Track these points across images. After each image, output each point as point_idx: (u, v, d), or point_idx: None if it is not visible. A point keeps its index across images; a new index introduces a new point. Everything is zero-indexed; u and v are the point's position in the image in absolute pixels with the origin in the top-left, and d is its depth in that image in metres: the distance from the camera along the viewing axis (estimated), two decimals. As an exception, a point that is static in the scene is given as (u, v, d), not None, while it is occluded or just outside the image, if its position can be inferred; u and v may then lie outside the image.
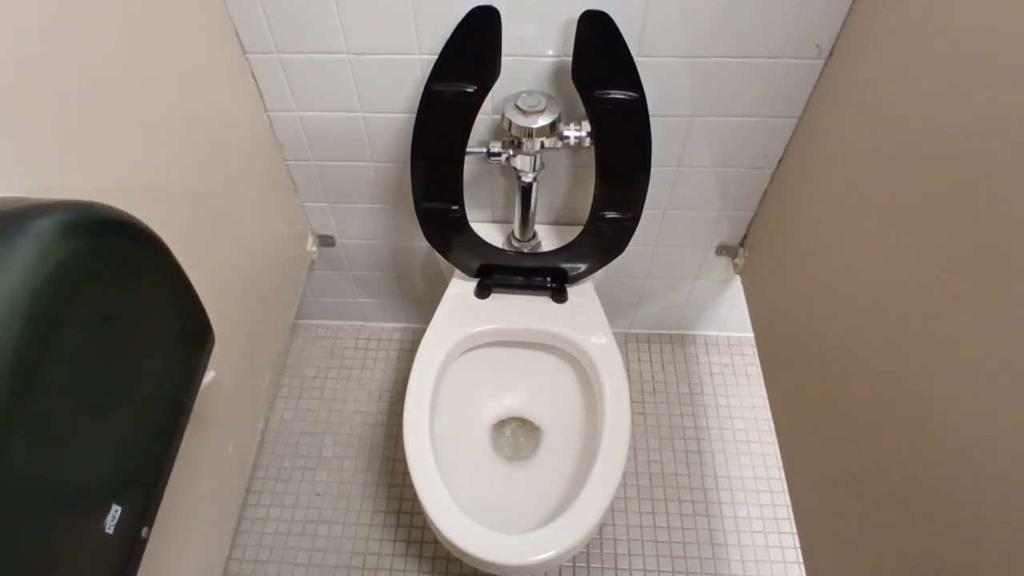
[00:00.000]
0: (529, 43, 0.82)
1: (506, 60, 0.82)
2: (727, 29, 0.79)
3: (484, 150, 0.89)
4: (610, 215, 0.91)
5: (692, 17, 0.78)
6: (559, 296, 1.00)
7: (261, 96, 0.90)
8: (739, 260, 1.13)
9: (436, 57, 0.79)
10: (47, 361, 0.39)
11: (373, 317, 1.37)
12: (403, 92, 0.88)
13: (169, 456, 0.54)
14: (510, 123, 0.82)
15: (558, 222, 1.09)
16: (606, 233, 0.93)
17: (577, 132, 0.84)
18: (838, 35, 0.81)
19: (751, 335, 1.38)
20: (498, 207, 1.08)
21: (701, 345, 1.37)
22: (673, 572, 1.09)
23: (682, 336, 1.38)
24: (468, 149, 0.89)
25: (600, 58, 0.76)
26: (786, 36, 0.80)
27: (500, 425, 1.05)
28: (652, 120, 0.83)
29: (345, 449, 1.22)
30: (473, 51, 0.77)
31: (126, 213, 0.45)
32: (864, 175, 0.78)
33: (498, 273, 1.00)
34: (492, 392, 1.05)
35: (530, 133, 0.82)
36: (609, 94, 0.78)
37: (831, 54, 0.82)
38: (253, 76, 0.88)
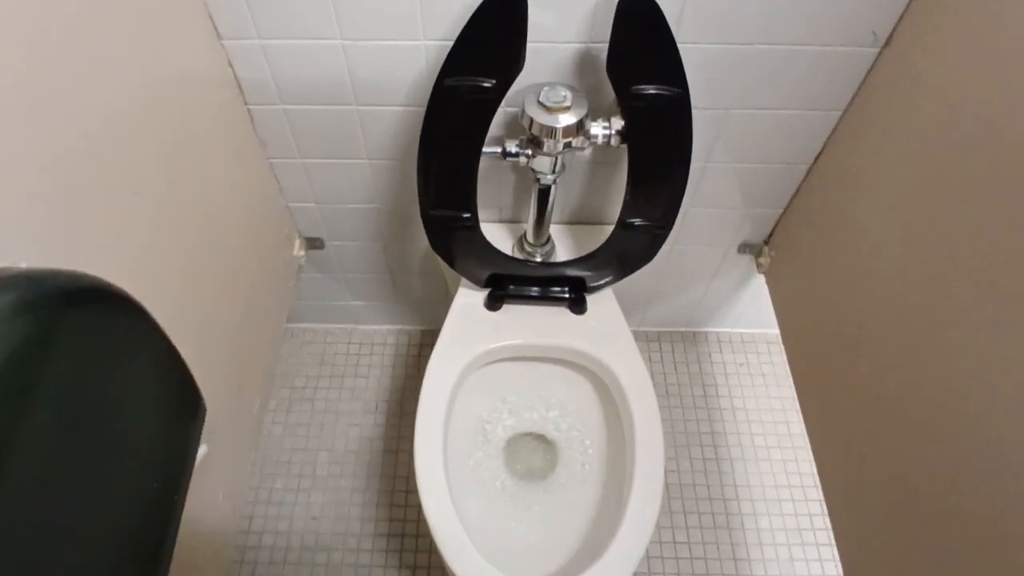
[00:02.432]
0: (549, 29, 0.71)
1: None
2: (777, 14, 0.70)
3: (499, 149, 0.78)
4: (640, 222, 0.82)
5: (740, 0, 0.69)
6: (578, 307, 0.91)
7: (240, 88, 0.78)
8: (763, 260, 1.06)
9: (450, 45, 0.68)
10: (10, 453, 0.30)
11: (365, 320, 1.27)
12: (405, 83, 0.78)
13: (166, 544, 0.45)
14: (531, 120, 0.72)
15: (573, 221, 1.00)
16: (634, 241, 0.84)
17: (605, 130, 0.75)
18: (898, 22, 0.72)
19: (766, 331, 1.32)
20: (507, 206, 0.98)
21: (714, 343, 1.30)
22: (695, 590, 1.04)
23: (694, 334, 1.31)
24: (483, 150, 0.79)
25: (641, 47, 0.66)
26: (841, 22, 0.71)
27: (513, 442, 0.98)
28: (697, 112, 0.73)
29: (341, 467, 1.13)
30: (495, 39, 0.66)
31: (99, 280, 0.34)
32: (914, 176, 0.71)
33: (512, 284, 0.91)
34: (505, 408, 0.97)
35: (554, 133, 0.72)
36: (648, 89, 0.69)
37: (887, 43, 0.74)
38: (230, 65, 0.76)
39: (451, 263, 0.88)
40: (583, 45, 0.73)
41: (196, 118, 0.69)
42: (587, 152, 0.85)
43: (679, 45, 0.72)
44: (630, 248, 0.85)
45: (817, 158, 0.89)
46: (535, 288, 0.91)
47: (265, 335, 0.92)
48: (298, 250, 1.02)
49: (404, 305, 1.23)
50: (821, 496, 1.12)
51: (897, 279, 0.73)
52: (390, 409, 1.19)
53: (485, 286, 0.92)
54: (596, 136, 0.75)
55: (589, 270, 0.89)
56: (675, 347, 1.29)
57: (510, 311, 0.92)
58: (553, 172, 0.80)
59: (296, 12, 0.70)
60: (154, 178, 0.59)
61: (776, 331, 1.31)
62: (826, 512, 1.11)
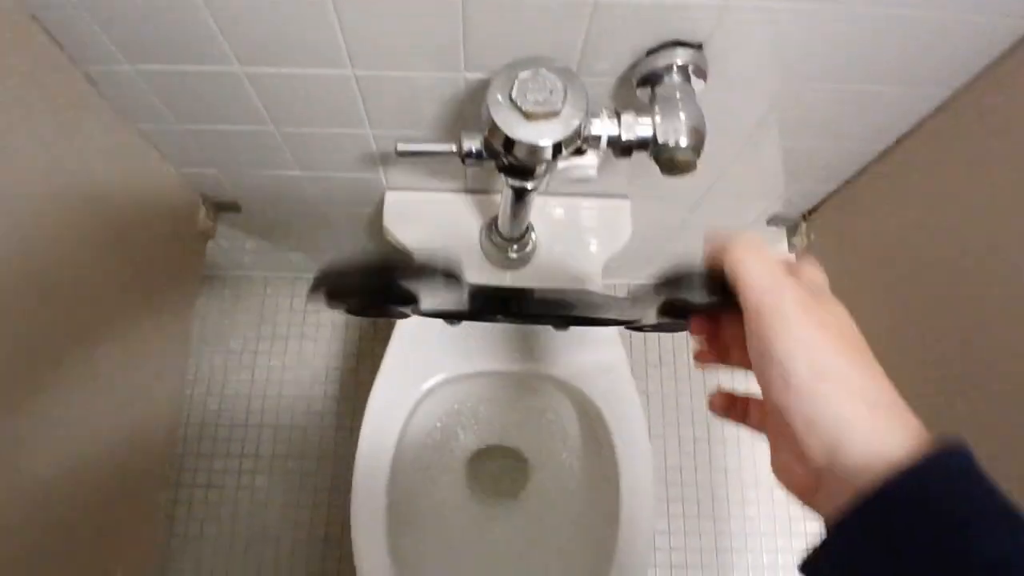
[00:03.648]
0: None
1: None
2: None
3: (452, 148, 0.54)
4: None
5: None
6: (560, 324, 0.72)
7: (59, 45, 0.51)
8: (799, 239, 0.84)
9: None
10: None
11: (310, 268, 1.07)
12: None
13: None
14: (500, 135, 0.47)
15: (574, 192, 0.77)
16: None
17: (614, 128, 0.50)
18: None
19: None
20: (473, 175, 0.74)
21: (719, 299, 1.12)
22: (672, 585, 0.98)
23: (697, 288, 1.13)
24: (419, 148, 0.54)
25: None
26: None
27: (478, 458, 0.84)
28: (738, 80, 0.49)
29: (287, 446, 1.00)
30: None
31: None
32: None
33: (478, 303, 0.70)
34: (467, 422, 0.82)
35: (536, 153, 0.47)
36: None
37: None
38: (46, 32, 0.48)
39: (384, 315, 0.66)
40: (584, -3, 0.46)
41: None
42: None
43: None
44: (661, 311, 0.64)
45: (903, 138, 0.65)
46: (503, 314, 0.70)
47: (166, 348, 0.73)
48: (204, 220, 0.79)
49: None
50: (818, 483, 1.03)
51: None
52: (343, 379, 1.04)
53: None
54: (599, 139, 0.51)
55: (589, 309, 0.68)
56: (674, 304, 1.11)
57: (474, 325, 0.73)
58: (534, 180, 0.56)
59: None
60: None
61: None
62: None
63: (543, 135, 0.46)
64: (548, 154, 0.47)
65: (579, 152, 0.51)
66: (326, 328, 1.06)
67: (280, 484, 0.98)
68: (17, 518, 0.55)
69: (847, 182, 0.75)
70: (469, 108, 0.58)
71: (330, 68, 0.54)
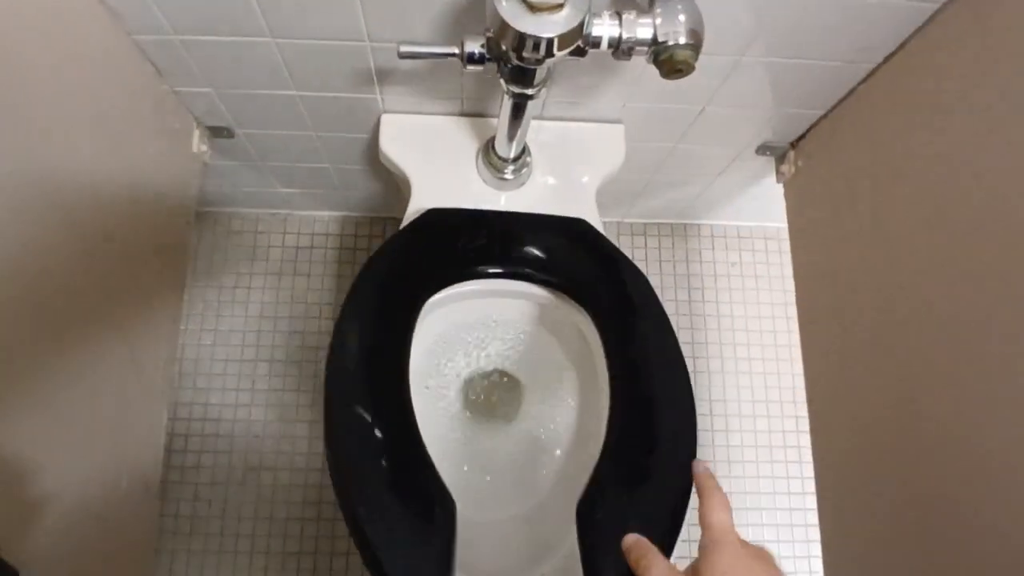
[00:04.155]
0: None
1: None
2: None
3: (455, 50, 0.55)
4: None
5: None
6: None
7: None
8: (787, 167, 0.86)
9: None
10: None
11: (302, 204, 1.07)
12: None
13: None
14: (504, 27, 0.47)
15: (576, 117, 0.77)
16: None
17: (615, 28, 0.51)
18: None
19: (766, 224, 1.16)
20: (470, 96, 0.74)
21: (707, 238, 1.15)
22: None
23: (685, 227, 1.15)
24: (422, 50, 0.55)
25: None
26: None
27: (471, 382, 0.86)
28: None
29: (283, 380, 1.01)
30: None
31: None
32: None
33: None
34: (457, 344, 0.83)
35: (540, 46, 0.48)
36: None
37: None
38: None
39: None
40: None
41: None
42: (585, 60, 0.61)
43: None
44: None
45: (891, 57, 0.67)
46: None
47: (165, 273, 0.73)
48: (198, 145, 0.79)
49: (349, 192, 1.02)
50: (797, 413, 1.07)
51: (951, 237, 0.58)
52: (335, 313, 1.04)
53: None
54: (600, 39, 0.52)
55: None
56: (662, 242, 1.14)
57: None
58: (534, 87, 0.57)
59: None
60: None
61: (777, 225, 1.16)
62: (800, 429, 1.07)
63: (548, 27, 0.47)
64: (553, 47, 0.48)
65: (580, 52, 0.52)
66: (319, 264, 1.06)
67: (276, 416, 1.00)
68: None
69: (834, 107, 0.77)
70: (470, 16, 0.59)
71: (331, -32, 0.53)
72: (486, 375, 0.85)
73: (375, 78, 0.70)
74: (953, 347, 0.60)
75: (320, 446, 1.00)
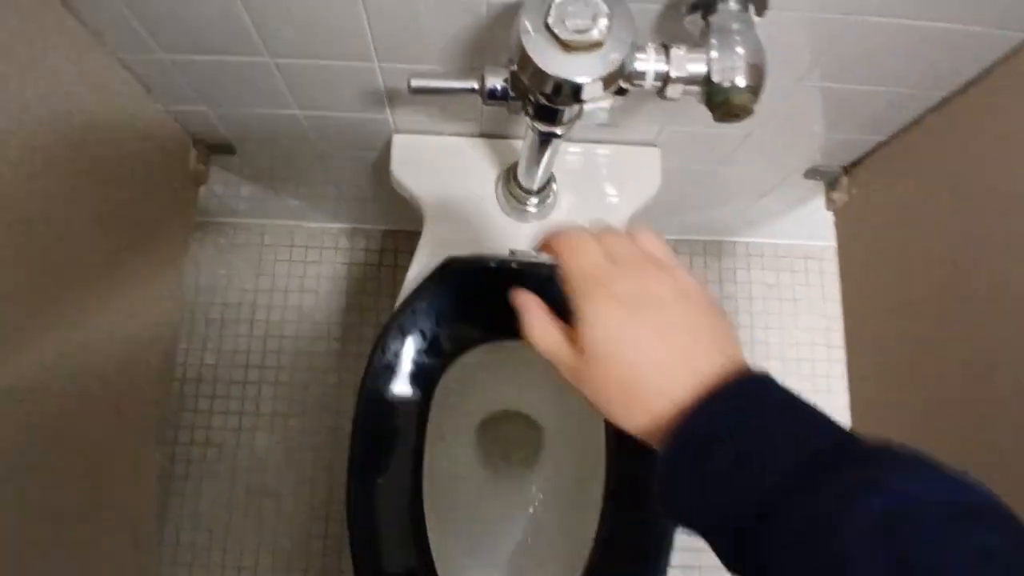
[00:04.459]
0: None
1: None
2: None
3: (474, 85, 0.47)
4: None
5: None
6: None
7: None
8: (838, 195, 0.78)
9: None
10: None
11: (310, 216, 1.00)
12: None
13: None
14: (536, 72, 0.40)
15: (611, 139, 0.70)
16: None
17: (661, 63, 0.43)
18: None
19: (807, 243, 1.08)
20: (488, 117, 0.67)
21: (742, 256, 1.07)
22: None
23: (719, 244, 1.07)
24: (436, 84, 0.48)
25: None
26: None
27: (488, 424, 0.80)
28: (793, 14, 0.43)
29: (288, 404, 0.96)
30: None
31: None
32: None
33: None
34: (476, 387, 0.77)
35: (573, 92, 0.41)
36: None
37: None
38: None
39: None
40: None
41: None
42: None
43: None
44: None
45: (969, 85, 0.58)
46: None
47: (155, 306, 0.68)
48: (195, 163, 0.73)
49: (360, 203, 0.95)
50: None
51: None
52: (345, 334, 0.99)
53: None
54: (644, 76, 0.44)
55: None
56: (693, 261, 1.06)
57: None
58: (563, 126, 0.49)
59: None
60: None
61: (819, 243, 1.08)
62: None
63: (583, 70, 0.40)
64: (588, 93, 0.41)
65: (620, 92, 0.44)
66: (327, 280, 1.00)
67: (280, 441, 0.95)
68: None
69: (897, 134, 0.69)
70: (491, 38, 0.51)
71: (333, -12, 0.46)
72: (503, 417, 0.80)
73: (385, 99, 0.63)
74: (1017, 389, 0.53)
75: (326, 475, 0.95)
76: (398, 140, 0.70)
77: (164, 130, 0.67)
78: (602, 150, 0.70)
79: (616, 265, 0.32)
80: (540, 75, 0.40)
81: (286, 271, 1.00)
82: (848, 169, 0.77)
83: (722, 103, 0.44)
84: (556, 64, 0.40)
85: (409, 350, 0.62)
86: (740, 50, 0.44)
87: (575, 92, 0.41)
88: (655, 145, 0.71)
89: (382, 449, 0.64)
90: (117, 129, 0.60)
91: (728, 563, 0.27)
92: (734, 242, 1.07)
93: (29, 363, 0.53)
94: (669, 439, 0.28)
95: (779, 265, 1.07)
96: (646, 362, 0.30)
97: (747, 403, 0.29)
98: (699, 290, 0.33)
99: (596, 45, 0.39)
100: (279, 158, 0.78)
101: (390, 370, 0.62)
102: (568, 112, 0.47)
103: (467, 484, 0.75)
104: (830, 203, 0.80)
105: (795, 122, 0.67)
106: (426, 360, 0.63)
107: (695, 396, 0.29)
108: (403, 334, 0.62)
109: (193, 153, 0.72)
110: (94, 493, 0.66)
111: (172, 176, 0.70)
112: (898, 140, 0.69)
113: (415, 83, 0.48)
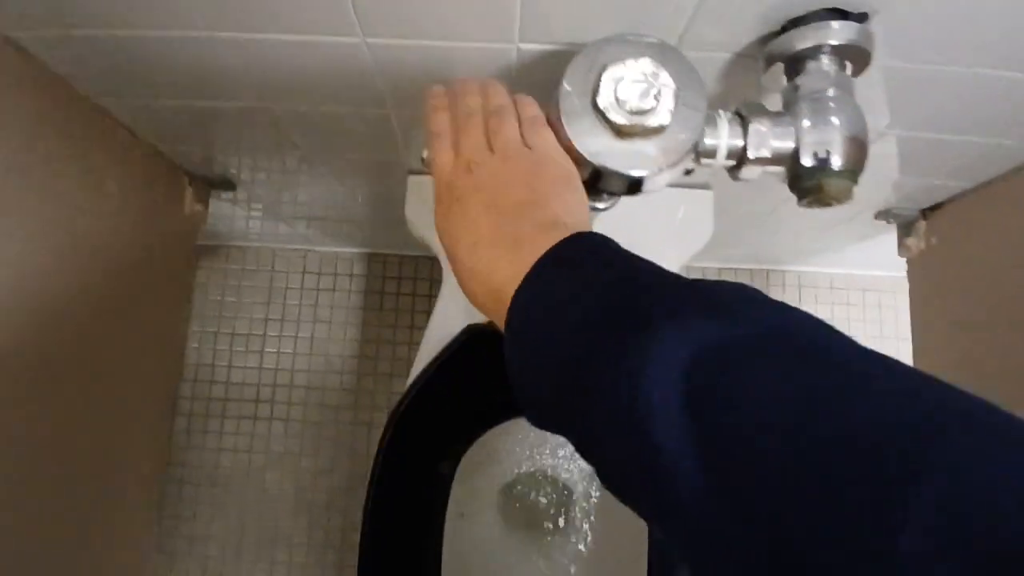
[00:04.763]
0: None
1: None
2: None
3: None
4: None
5: None
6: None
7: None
8: (914, 241, 0.68)
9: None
10: None
11: (323, 241, 0.93)
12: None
13: None
14: (584, 163, 0.32)
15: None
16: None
17: (735, 140, 0.35)
18: None
19: (864, 273, 0.98)
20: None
21: (792, 287, 0.97)
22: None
23: (767, 274, 0.98)
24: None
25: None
26: None
27: (511, 486, 0.73)
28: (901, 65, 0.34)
29: (300, 443, 0.90)
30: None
31: None
32: None
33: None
34: (497, 449, 0.70)
35: (634, 185, 0.32)
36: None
37: None
38: None
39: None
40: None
41: None
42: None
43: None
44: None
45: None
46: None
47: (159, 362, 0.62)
48: (191, 204, 0.66)
49: (373, 230, 0.88)
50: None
51: None
52: (361, 368, 0.92)
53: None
54: (715, 153, 0.35)
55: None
56: (738, 291, 0.97)
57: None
58: (606, 203, 0.41)
59: None
60: None
61: (877, 273, 0.98)
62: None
63: (641, 163, 0.31)
64: (648, 186, 0.32)
65: (686, 173, 0.36)
66: (341, 310, 0.94)
67: (291, 482, 0.90)
68: None
69: (987, 183, 0.59)
70: (522, 88, 0.43)
71: (333, 36, 0.38)
72: (529, 478, 0.73)
73: (399, 139, 0.55)
74: None
75: (339, 519, 0.89)
76: (414, 182, 0.62)
77: (155, 170, 0.60)
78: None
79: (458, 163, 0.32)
80: (584, 162, 0.32)
81: (297, 299, 0.93)
82: (927, 213, 0.67)
83: (812, 188, 0.35)
84: (607, 154, 0.31)
85: (426, 432, 0.55)
86: (836, 121, 0.35)
87: (630, 186, 0.32)
88: (708, 187, 0.63)
89: (397, 533, 0.58)
90: (97, 174, 0.53)
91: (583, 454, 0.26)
92: (783, 272, 0.98)
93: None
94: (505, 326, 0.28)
95: (834, 298, 0.97)
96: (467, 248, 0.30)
97: (556, 275, 0.28)
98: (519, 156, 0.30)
99: (657, 130, 0.31)
100: (285, 192, 0.71)
101: (405, 452, 0.55)
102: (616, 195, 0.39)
103: (491, 555, 0.69)
104: (904, 249, 0.70)
105: (872, 166, 0.58)
106: (446, 440, 0.56)
107: (516, 280, 0.28)
108: (420, 412, 0.55)
109: (189, 193, 0.65)
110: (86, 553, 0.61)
111: (166, 221, 0.63)
112: (988, 189, 0.59)
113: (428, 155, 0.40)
